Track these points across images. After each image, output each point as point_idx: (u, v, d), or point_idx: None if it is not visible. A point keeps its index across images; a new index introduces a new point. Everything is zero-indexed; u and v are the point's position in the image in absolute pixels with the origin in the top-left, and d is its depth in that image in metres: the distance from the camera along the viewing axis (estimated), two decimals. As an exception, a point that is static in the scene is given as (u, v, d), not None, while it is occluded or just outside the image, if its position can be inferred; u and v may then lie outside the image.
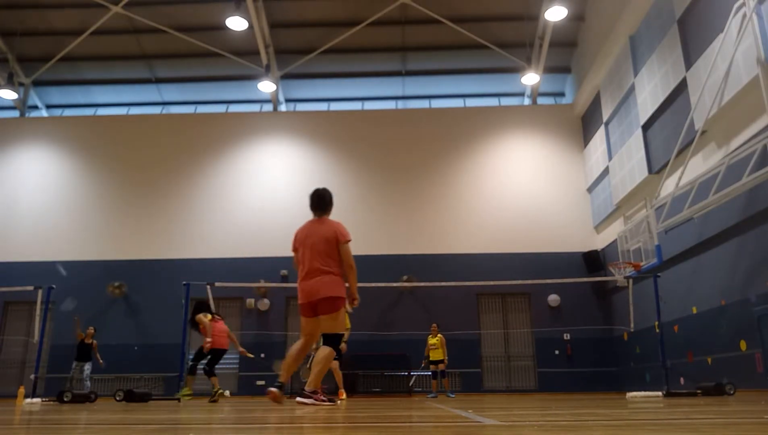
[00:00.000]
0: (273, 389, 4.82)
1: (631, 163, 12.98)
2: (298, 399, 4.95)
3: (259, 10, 15.59)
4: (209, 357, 9.29)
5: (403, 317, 15.15)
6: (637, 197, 12.73)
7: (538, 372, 14.96)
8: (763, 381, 8.62)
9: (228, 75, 17.70)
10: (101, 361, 12.46)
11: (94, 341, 12.60)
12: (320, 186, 5.64)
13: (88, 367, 12.34)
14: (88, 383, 12.25)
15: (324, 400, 5.02)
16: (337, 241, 5.13)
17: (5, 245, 16.22)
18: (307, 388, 4.91)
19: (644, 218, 11.02)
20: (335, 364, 9.88)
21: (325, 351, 4.95)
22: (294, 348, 5.07)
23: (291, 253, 5.76)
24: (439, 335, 12.73)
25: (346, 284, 5.14)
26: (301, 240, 5.36)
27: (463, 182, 16.39)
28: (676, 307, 11.24)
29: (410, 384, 13.83)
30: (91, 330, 12.60)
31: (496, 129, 16.88)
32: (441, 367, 12.58)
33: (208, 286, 10.53)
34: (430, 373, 13.04)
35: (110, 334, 15.26)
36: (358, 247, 17.98)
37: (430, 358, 12.69)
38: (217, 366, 9.36)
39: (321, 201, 5.39)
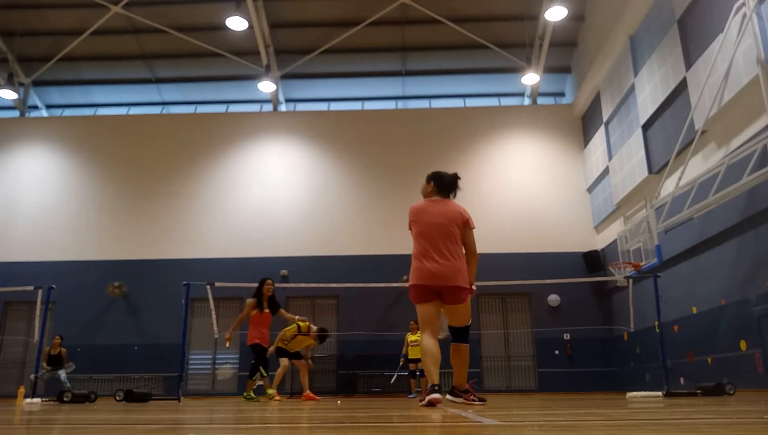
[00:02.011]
0: (435, 396, 4.27)
1: (631, 163, 12.98)
2: (448, 397, 4.76)
3: (259, 10, 15.60)
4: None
5: (403, 317, 15.14)
6: (637, 197, 12.73)
7: (538, 372, 14.97)
8: (763, 381, 8.62)
9: (228, 75, 17.71)
10: (68, 365, 12.43)
11: (63, 350, 12.48)
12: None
13: (62, 372, 12.23)
14: (68, 384, 12.11)
15: (475, 400, 4.69)
16: (465, 225, 4.81)
17: (5, 245, 16.23)
18: (457, 387, 4.73)
19: (644, 218, 11.02)
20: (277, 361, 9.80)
21: (464, 349, 4.72)
22: (431, 346, 4.56)
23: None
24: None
25: None
26: (423, 218, 4.82)
27: (463, 182, 16.29)
28: (676, 307, 11.24)
29: (391, 383, 13.66)
30: (57, 340, 12.46)
31: (496, 129, 16.89)
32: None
33: (208, 286, 10.52)
34: (407, 372, 12.53)
35: (110, 334, 15.29)
36: (358, 247, 18.11)
37: (409, 356, 12.33)
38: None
39: (454, 186, 5.03)
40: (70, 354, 13.04)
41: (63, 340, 12.71)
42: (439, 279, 4.57)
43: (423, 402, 4.38)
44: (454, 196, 5.03)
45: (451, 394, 4.74)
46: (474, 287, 4.80)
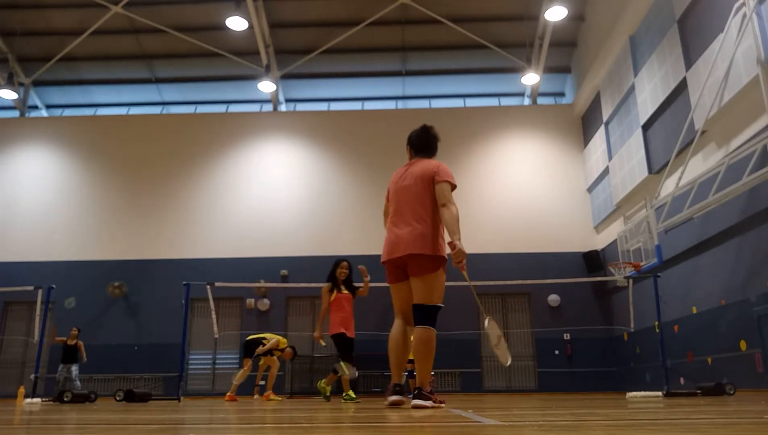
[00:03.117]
0: (394, 398, 3.80)
1: (631, 163, 12.98)
2: (416, 402, 3.80)
3: (259, 10, 15.60)
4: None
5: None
6: (637, 197, 12.74)
7: (538, 372, 14.97)
8: (763, 381, 8.63)
9: (228, 75, 17.72)
10: (84, 359, 12.39)
11: (79, 341, 12.48)
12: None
13: (75, 368, 12.24)
14: (78, 383, 12.15)
15: (441, 403, 4.00)
16: (432, 180, 4.05)
17: (5, 245, 16.23)
18: (420, 386, 3.88)
19: (644, 218, 11.03)
20: (275, 363, 9.79)
21: (424, 334, 3.83)
22: (393, 335, 3.97)
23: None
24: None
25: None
26: (394, 184, 4.26)
27: (463, 182, 16.38)
28: (676, 307, 11.25)
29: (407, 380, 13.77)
30: (74, 331, 12.47)
31: (496, 129, 16.89)
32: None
33: (208, 286, 10.53)
34: (405, 372, 12.59)
35: (110, 334, 15.29)
36: (358, 246, 18.10)
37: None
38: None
39: (426, 139, 4.33)
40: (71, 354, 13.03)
41: (80, 332, 12.68)
42: (396, 249, 3.93)
43: (386, 402, 3.90)
44: (435, 152, 4.37)
45: (418, 396, 3.82)
46: (457, 243, 3.81)
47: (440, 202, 4.00)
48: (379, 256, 4.28)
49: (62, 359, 12.22)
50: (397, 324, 4.02)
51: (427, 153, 4.34)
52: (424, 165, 4.18)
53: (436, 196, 4.03)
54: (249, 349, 9.68)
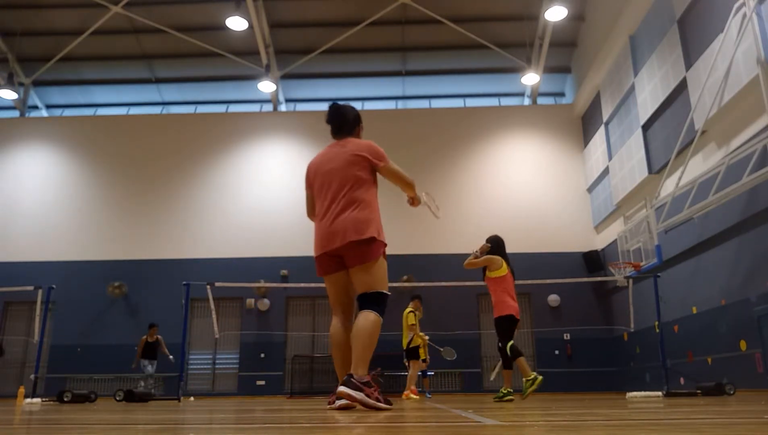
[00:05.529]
0: (344, 402, 3.37)
1: (631, 163, 12.99)
2: (341, 389, 3.32)
3: (259, 10, 15.60)
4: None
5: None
6: (637, 197, 12.74)
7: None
8: (763, 381, 8.63)
9: (228, 75, 17.72)
10: (171, 356, 12.64)
11: (159, 337, 12.89)
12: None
13: (150, 367, 12.68)
14: (151, 381, 12.66)
15: (380, 400, 3.39)
16: (368, 164, 3.82)
17: (5, 245, 16.24)
18: (354, 373, 3.39)
19: (644, 218, 11.03)
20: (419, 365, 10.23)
21: (368, 318, 3.46)
22: (334, 334, 3.64)
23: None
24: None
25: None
26: (316, 170, 3.95)
27: (463, 182, 16.40)
28: (676, 307, 11.25)
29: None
30: (154, 328, 12.86)
31: (496, 129, 16.89)
32: (422, 366, 12.22)
33: (208, 286, 10.52)
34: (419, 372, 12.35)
35: (110, 334, 15.29)
36: (358, 247, 17.78)
37: None
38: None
39: (341, 117, 4.10)
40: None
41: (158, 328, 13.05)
42: (333, 240, 3.58)
43: (333, 405, 3.47)
44: (356, 126, 4.17)
45: (347, 384, 3.33)
46: (425, 194, 4.07)
47: (400, 176, 3.94)
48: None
49: (143, 355, 12.60)
50: (336, 321, 3.71)
51: (348, 131, 4.12)
52: (352, 144, 3.96)
53: (388, 177, 3.92)
54: (412, 352, 10.26)
